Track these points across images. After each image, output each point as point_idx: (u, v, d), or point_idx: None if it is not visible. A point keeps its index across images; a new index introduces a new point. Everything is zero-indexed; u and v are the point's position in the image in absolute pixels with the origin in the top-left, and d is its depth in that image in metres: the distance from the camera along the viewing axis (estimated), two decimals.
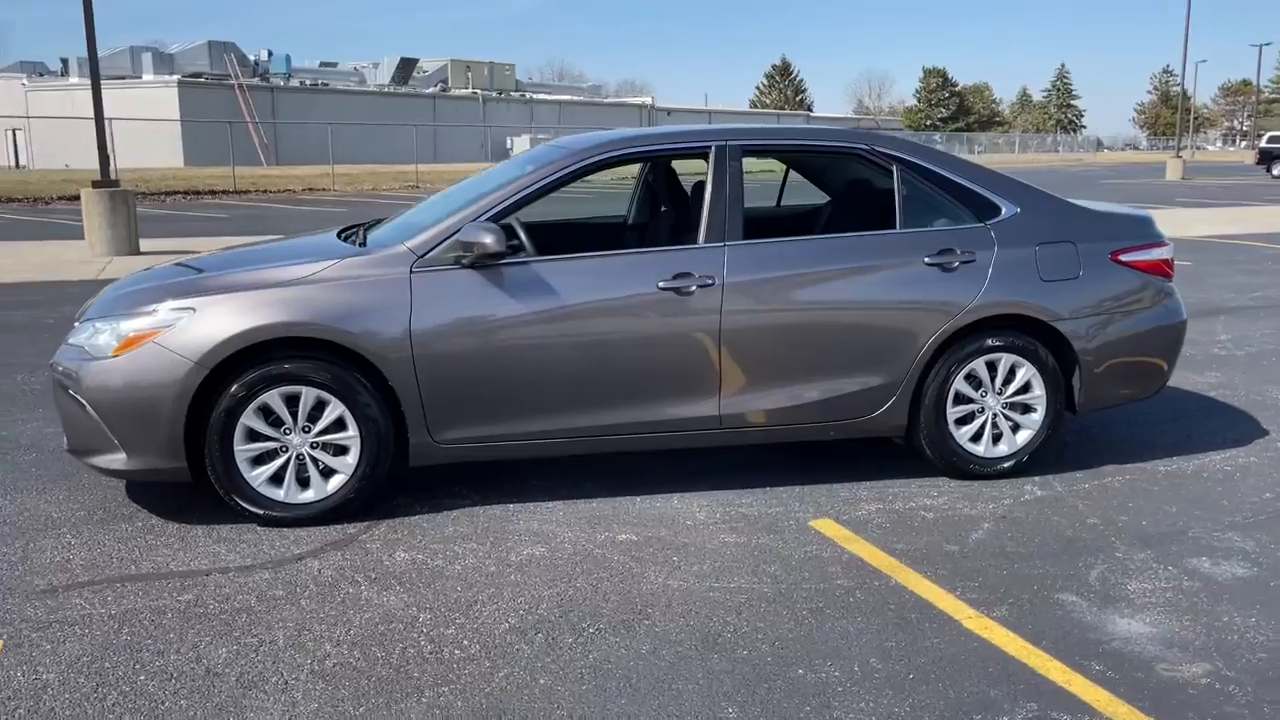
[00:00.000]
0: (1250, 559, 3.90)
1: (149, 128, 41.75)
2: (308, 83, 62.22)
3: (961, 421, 4.73)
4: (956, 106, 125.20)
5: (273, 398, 4.11)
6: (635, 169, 5.81)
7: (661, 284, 4.34)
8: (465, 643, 3.27)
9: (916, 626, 3.38)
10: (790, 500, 4.53)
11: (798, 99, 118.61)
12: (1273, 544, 4.04)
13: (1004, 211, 4.74)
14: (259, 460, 4.18)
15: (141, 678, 3.05)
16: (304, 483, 4.24)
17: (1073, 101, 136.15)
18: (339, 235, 4.88)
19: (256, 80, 58.62)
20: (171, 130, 47.30)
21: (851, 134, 4.89)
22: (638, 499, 4.55)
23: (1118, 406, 5.17)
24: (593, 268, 4.39)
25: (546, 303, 4.25)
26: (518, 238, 4.79)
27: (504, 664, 3.14)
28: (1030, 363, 4.70)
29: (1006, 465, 4.77)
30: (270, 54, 60.95)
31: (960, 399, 4.70)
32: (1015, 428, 4.79)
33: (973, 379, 4.70)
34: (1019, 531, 4.17)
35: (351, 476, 4.23)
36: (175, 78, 54.47)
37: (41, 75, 60.33)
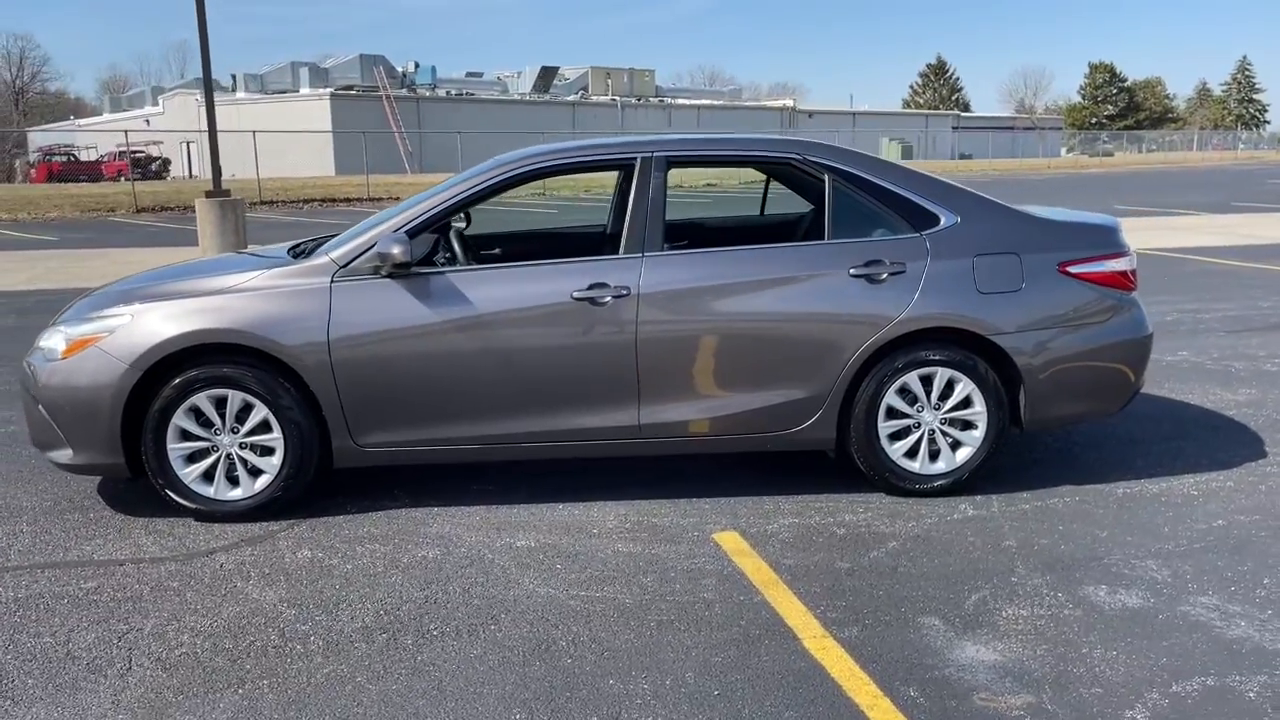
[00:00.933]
0: (1153, 589, 3.69)
1: (303, 138, 44.06)
2: (452, 92, 64.36)
3: (897, 436, 4.62)
4: (1125, 103, 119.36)
5: (202, 400, 4.38)
6: (613, 178, 5.87)
7: (576, 294, 4.41)
8: (312, 639, 3.42)
9: (754, 643, 3.35)
10: (709, 512, 4.52)
11: (953, 98, 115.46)
12: (1190, 575, 3.81)
13: (942, 221, 4.61)
14: (192, 458, 4.45)
15: (6, 656, 3.32)
16: (234, 480, 4.49)
17: (1255, 96, 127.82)
18: (292, 249, 5.13)
19: (404, 91, 61.06)
20: (324, 140, 49.75)
21: (782, 143, 4.83)
22: (560, 505, 4.62)
23: (1077, 423, 4.94)
24: (510, 277, 4.49)
25: (461, 311, 4.38)
26: (450, 248, 4.95)
27: (335, 661, 3.28)
28: (969, 378, 4.55)
29: (943, 483, 4.63)
30: (417, 66, 63.40)
31: (894, 413, 4.59)
32: (955, 445, 4.64)
33: (907, 393, 4.58)
34: (923, 552, 4.06)
35: (277, 476, 4.45)
36: (328, 91, 57.31)
37: (214, 91, 64.26)
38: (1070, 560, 3.96)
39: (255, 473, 4.48)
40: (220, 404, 4.41)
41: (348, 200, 30.98)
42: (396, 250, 4.30)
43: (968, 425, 4.62)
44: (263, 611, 3.62)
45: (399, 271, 4.38)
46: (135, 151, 52.10)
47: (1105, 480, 4.86)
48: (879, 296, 4.48)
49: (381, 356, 4.36)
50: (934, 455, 4.64)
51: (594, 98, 70.19)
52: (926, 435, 4.62)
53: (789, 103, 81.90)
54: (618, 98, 70.23)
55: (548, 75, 69.90)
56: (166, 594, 3.78)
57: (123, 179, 34.71)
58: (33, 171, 52.56)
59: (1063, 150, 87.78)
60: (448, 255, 4.92)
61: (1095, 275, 4.62)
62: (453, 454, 4.53)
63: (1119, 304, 4.66)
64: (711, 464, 5.14)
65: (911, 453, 4.63)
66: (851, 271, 4.49)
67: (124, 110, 70.39)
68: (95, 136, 56.48)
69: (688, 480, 4.92)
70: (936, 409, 4.59)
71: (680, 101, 75.51)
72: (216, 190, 15.23)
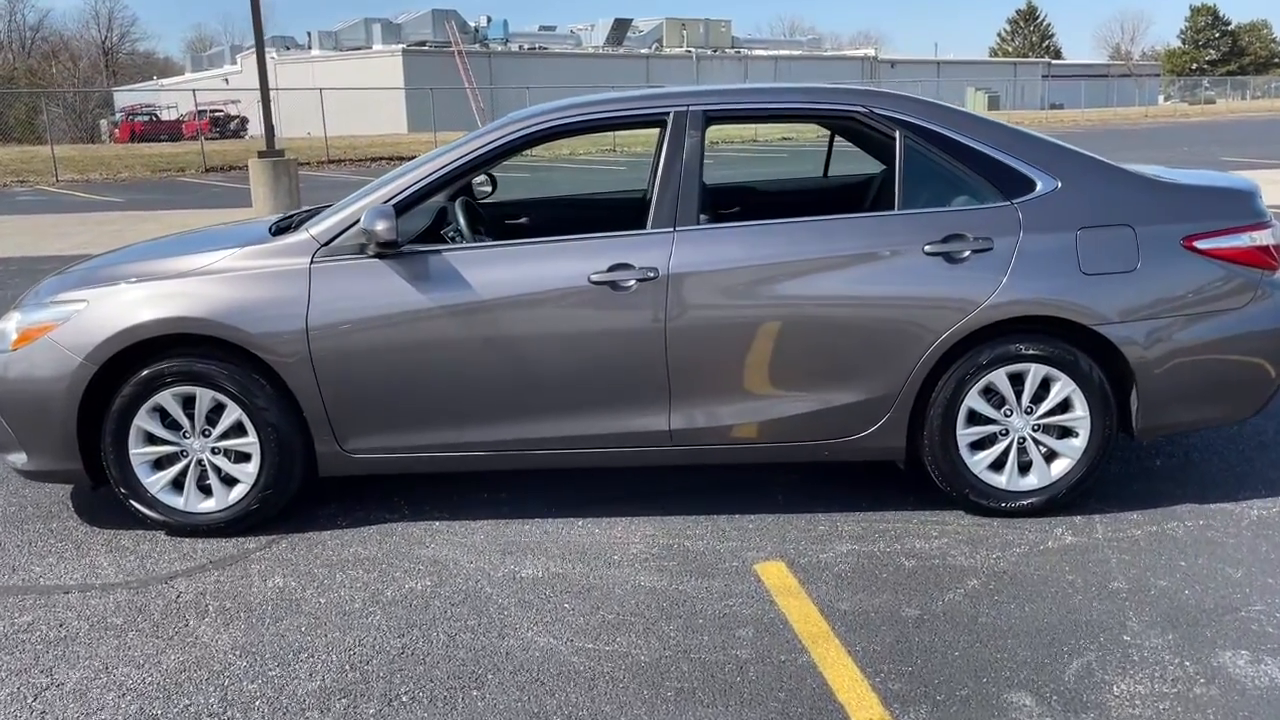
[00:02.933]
0: None
1: (376, 96, 43.80)
2: (524, 47, 63.55)
3: (979, 445, 3.86)
4: (1229, 48, 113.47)
5: (167, 399, 3.81)
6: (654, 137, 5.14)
7: (594, 277, 3.72)
8: (258, 704, 2.83)
9: None
10: (752, 533, 3.83)
11: (1043, 45, 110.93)
12: None
13: (1039, 187, 3.80)
14: (159, 464, 3.90)
15: None
16: (207, 490, 3.92)
17: None
18: (278, 223, 4.51)
19: (476, 46, 60.42)
20: (396, 98, 49.47)
21: (842, 93, 4.03)
22: (579, 522, 3.98)
23: (1201, 430, 4.12)
24: (515, 256, 3.81)
25: (459, 297, 3.72)
26: (460, 220, 4.29)
27: None
28: (1069, 376, 3.77)
29: (1035, 501, 3.87)
30: (489, 20, 62.66)
31: (976, 418, 3.83)
32: (1050, 455, 3.86)
33: (993, 394, 3.82)
34: (1010, 595, 3.32)
35: (253, 486, 3.88)
36: (400, 47, 56.96)
37: (288, 49, 64.55)
38: (1197, 612, 3.18)
39: (230, 481, 3.91)
40: (189, 403, 3.83)
41: (415, 157, 30.52)
42: (381, 226, 3.65)
43: (1066, 432, 3.84)
44: (209, 662, 3.04)
45: (387, 251, 3.73)
46: (214, 110, 52.57)
47: (1234, 498, 4.04)
48: (960, 278, 3.70)
49: (368, 348, 3.74)
50: (1024, 468, 3.87)
51: (668, 50, 68.76)
52: (1016, 444, 3.85)
53: (870, 52, 79.37)
54: (693, 49, 68.67)
55: (621, 28, 68.61)
56: (106, 634, 3.22)
57: (202, 138, 34.74)
58: (116, 131, 53.25)
59: (1160, 98, 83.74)
60: (455, 231, 4.26)
61: (1228, 251, 3.78)
62: (453, 462, 3.89)
63: (1257, 286, 3.81)
64: (757, 475, 4.43)
65: (997, 465, 3.87)
66: (927, 248, 3.71)
67: (205, 69, 71.06)
68: (177, 96, 56.95)
69: (729, 493, 4.23)
70: (1028, 413, 3.82)
71: (757, 53, 73.60)
72: (270, 150, 14.82)
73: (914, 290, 3.71)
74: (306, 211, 4.71)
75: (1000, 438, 3.86)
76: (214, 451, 3.87)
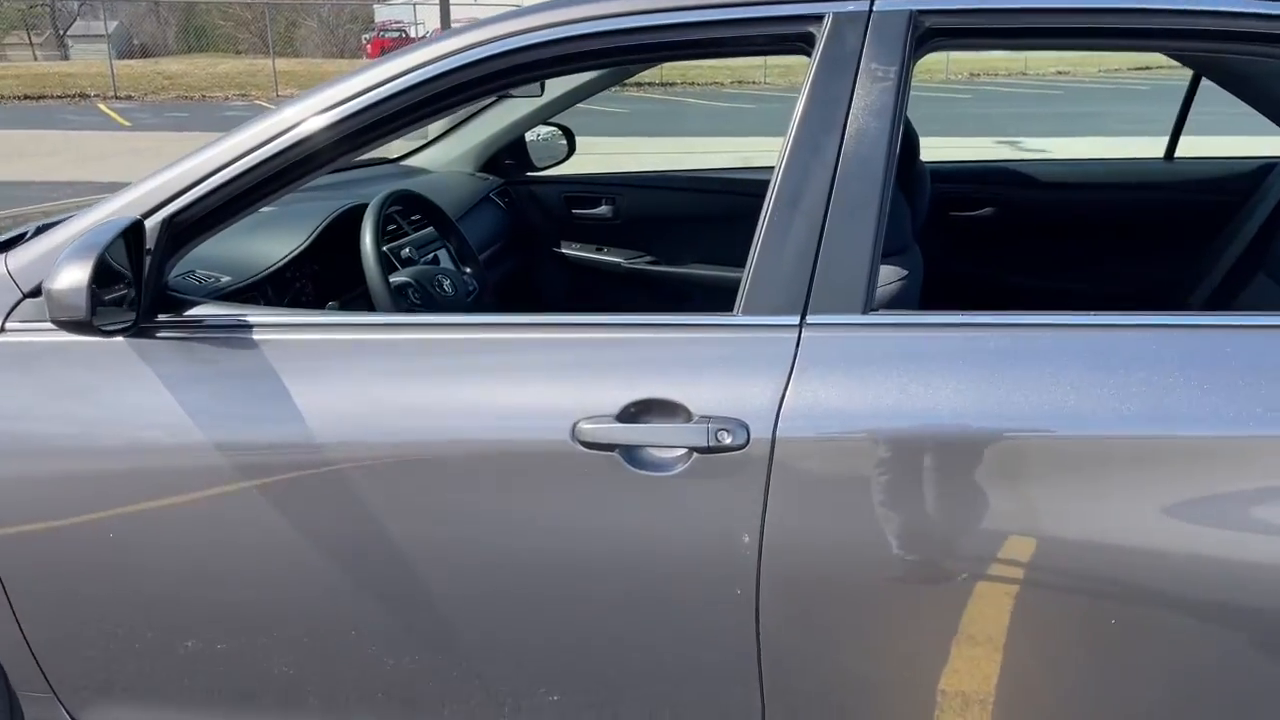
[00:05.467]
0: None
1: None
2: None
3: None
4: None
5: None
6: None
7: (585, 429, 1.48)
8: None
9: None
10: None
11: None
12: None
13: None
14: None
15: None
16: None
17: None
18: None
19: None
20: None
21: None
22: None
23: None
24: (414, 354, 1.63)
25: (281, 435, 1.62)
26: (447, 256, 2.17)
27: None
28: None
29: None
30: None
31: None
32: None
33: None
34: None
35: None
36: None
37: None
38: None
39: None
40: None
41: (638, 85, 28.11)
42: (66, 287, 1.52)
43: None
44: None
45: (106, 327, 1.63)
46: (394, 25, 52.18)
47: None
48: None
49: (92, 535, 1.67)
50: None
51: None
52: None
53: None
54: None
55: None
56: None
57: None
58: (367, 47, 54.16)
59: None
60: (419, 254, 2.14)
61: None
62: None
63: None
64: None
65: None
66: None
67: None
68: (427, 12, 57.25)
69: None
70: None
71: None
72: None
73: None
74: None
75: None
76: None
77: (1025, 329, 1.50)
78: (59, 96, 22.30)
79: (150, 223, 1.68)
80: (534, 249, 3.18)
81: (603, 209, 3.17)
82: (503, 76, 1.70)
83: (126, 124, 17.46)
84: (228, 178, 1.67)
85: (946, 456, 1.46)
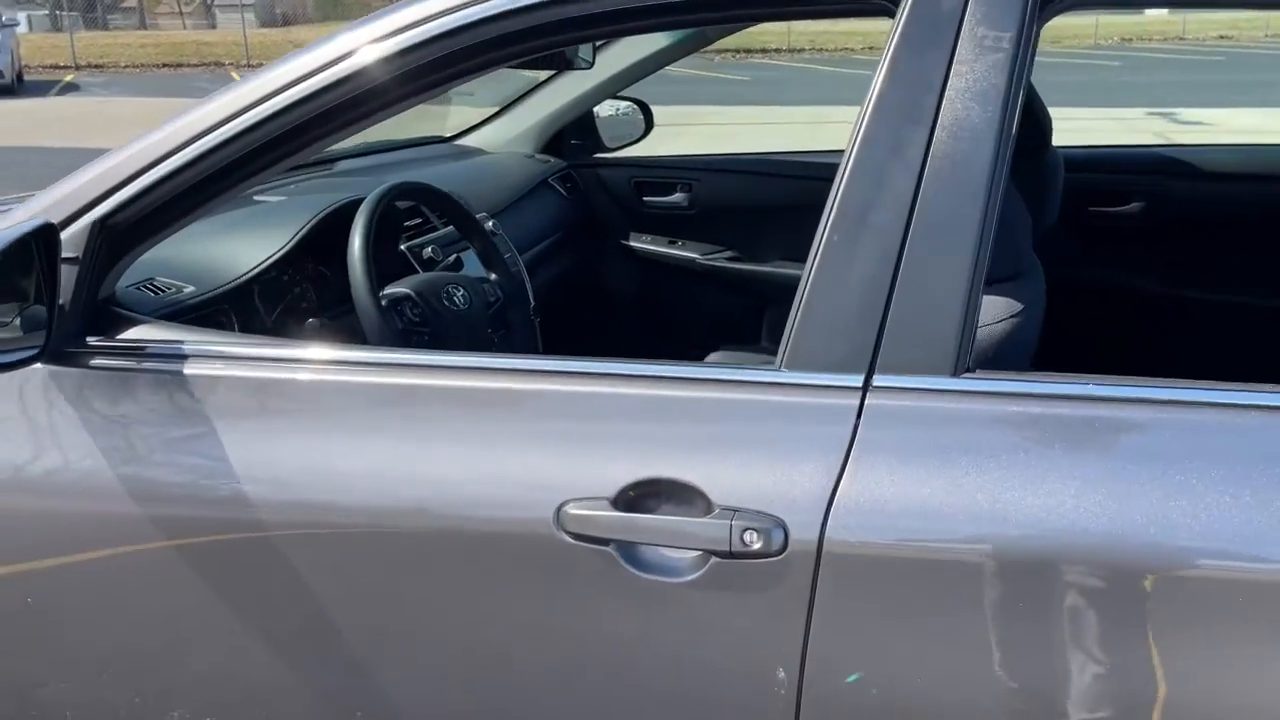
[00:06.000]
0: None
1: None
2: None
3: None
4: None
5: None
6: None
7: (572, 517, 1.10)
8: None
9: None
10: None
11: None
12: None
13: None
14: None
15: None
16: None
17: None
18: None
19: None
20: None
21: None
22: None
23: None
24: (375, 399, 1.30)
25: (204, 500, 1.32)
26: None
27: None
28: None
29: None
30: None
31: None
32: None
33: None
34: None
35: None
36: None
37: None
38: None
39: None
40: None
41: (764, 51, 27.27)
42: None
43: None
44: None
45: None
46: None
47: None
48: None
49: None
50: None
51: None
52: None
53: None
54: None
55: None
56: None
57: None
58: None
59: None
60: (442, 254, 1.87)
61: None
62: None
63: None
64: None
65: None
66: None
67: None
68: None
69: None
70: None
71: None
72: None
73: None
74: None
75: None
76: None
77: (1194, 408, 1.07)
78: (195, 65, 22.93)
79: (76, 227, 1.37)
80: (598, 241, 2.84)
81: (677, 196, 2.80)
82: (548, 32, 1.31)
83: None
84: (175, 166, 1.35)
85: (1067, 582, 1.05)
